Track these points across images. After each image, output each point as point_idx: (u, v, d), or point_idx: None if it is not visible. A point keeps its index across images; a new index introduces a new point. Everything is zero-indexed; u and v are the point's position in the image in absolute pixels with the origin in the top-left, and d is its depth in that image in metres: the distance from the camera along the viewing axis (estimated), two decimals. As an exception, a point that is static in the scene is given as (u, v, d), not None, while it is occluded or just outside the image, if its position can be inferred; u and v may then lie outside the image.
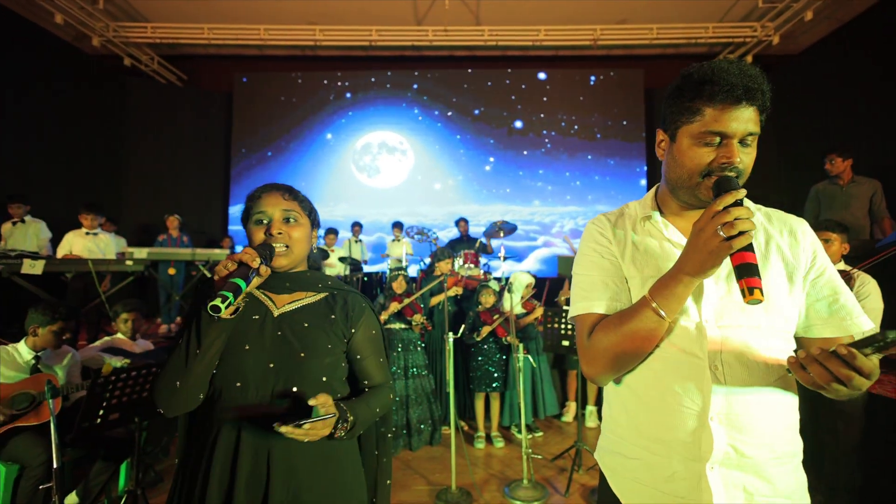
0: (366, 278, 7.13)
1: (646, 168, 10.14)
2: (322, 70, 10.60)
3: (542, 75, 10.44)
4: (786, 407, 1.12)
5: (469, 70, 10.53)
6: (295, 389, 1.35)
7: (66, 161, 8.43)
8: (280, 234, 1.43)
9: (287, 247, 1.44)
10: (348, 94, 10.57)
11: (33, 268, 4.84)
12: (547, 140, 10.39)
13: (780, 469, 1.10)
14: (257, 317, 1.42)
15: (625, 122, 10.27)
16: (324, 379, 1.39)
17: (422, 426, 4.60)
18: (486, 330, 4.71)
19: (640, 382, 1.20)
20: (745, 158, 1.09)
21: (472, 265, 6.49)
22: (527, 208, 10.35)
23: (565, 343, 4.22)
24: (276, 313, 1.44)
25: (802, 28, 8.50)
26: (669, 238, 1.22)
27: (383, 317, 4.66)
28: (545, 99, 10.42)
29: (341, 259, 7.36)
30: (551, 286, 6.54)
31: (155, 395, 1.32)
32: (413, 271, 7.40)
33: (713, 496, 1.07)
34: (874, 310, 3.03)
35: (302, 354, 1.38)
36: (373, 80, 10.57)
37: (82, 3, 8.06)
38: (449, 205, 10.39)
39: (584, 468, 4.02)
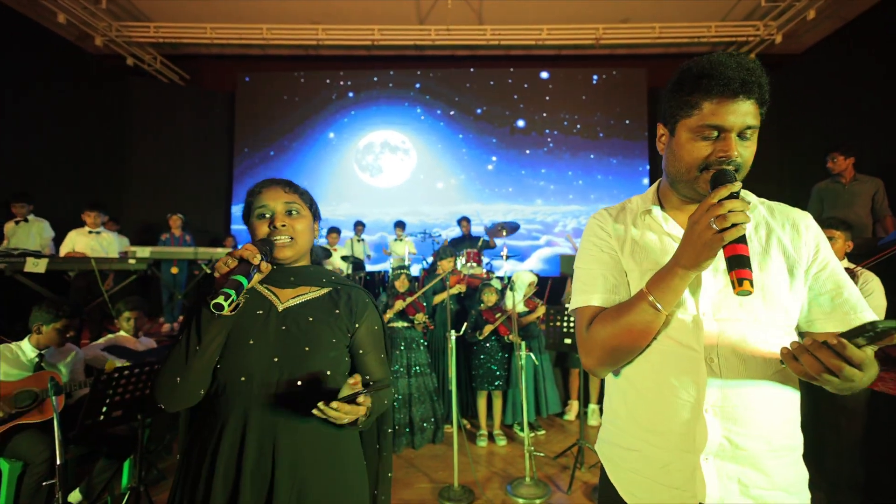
0: (368, 277, 7.13)
1: (648, 167, 10.12)
2: (325, 69, 10.61)
3: (544, 74, 10.43)
4: (783, 401, 1.12)
5: (471, 69, 10.52)
6: (299, 383, 1.35)
7: (68, 161, 8.45)
8: (284, 226, 1.44)
9: (291, 238, 1.45)
10: (351, 94, 10.58)
11: (36, 266, 4.85)
12: (549, 139, 10.38)
13: (778, 462, 1.10)
14: (261, 311, 1.42)
15: (627, 122, 10.25)
16: (328, 373, 1.39)
17: (424, 424, 4.61)
18: (488, 328, 4.71)
19: (637, 374, 1.21)
20: (745, 152, 1.09)
21: (474, 264, 6.49)
22: (529, 207, 10.34)
23: (567, 341, 4.21)
24: (280, 308, 1.44)
25: (805, 27, 8.48)
26: (669, 232, 1.23)
27: (387, 315, 4.67)
28: (548, 98, 10.42)
29: (344, 258, 7.37)
30: (553, 285, 6.54)
31: (156, 390, 1.34)
32: (415, 270, 7.40)
33: (706, 487, 1.08)
34: (878, 307, 3.03)
35: (306, 349, 1.38)
36: (375, 79, 10.58)
37: (85, 3, 8.08)
38: (451, 204, 10.38)
39: (587, 466, 4.02)
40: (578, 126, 10.34)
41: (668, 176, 1.24)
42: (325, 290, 1.53)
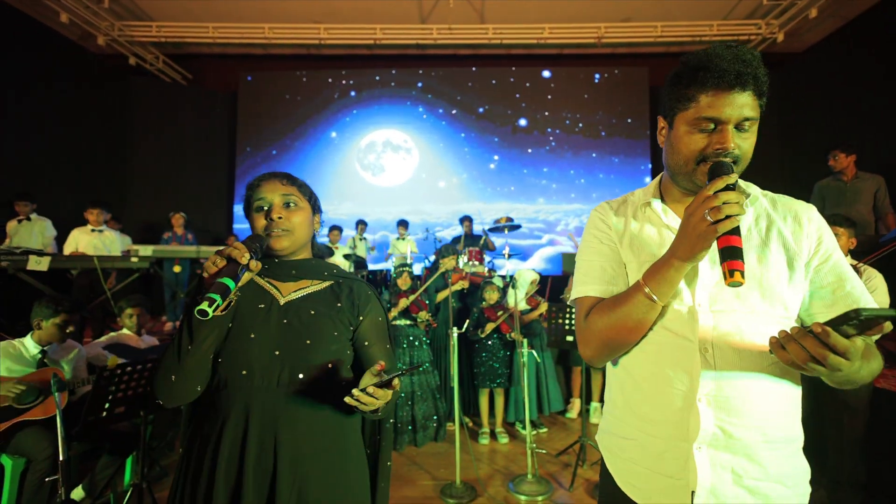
0: (370, 276, 7.13)
1: (650, 166, 10.11)
2: (326, 69, 10.61)
3: (546, 73, 10.42)
4: (779, 393, 1.12)
5: (473, 68, 10.52)
6: (301, 376, 1.35)
7: (70, 160, 8.46)
8: (280, 218, 1.44)
9: (287, 230, 1.45)
10: (353, 93, 10.58)
11: (39, 264, 4.86)
12: (551, 138, 10.37)
13: (773, 454, 1.10)
14: (263, 305, 1.42)
15: (629, 120, 10.24)
16: (329, 366, 1.39)
17: (427, 422, 4.61)
18: (490, 326, 4.71)
19: (634, 364, 1.23)
20: (743, 144, 1.09)
21: (476, 262, 6.49)
22: (531, 206, 10.33)
23: (569, 338, 4.21)
24: (282, 301, 1.44)
25: (807, 26, 8.46)
26: (668, 224, 1.24)
27: (391, 313, 4.66)
28: (549, 97, 10.40)
29: (346, 256, 7.37)
30: (553, 283, 6.54)
31: (154, 387, 1.35)
32: (417, 269, 7.40)
33: (698, 475, 1.09)
34: (881, 304, 3.01)
35: (308, 342, 1.38)
36: (377, 78, 10.57)
37: (88, 3, 8.10)
38: (453, 203, 10.38)
39: (589, 463, 4.02)
40: (580, 125, 10.33)
41: (667, 168, 1.25)
42: (326, 284, 1.53)
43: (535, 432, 4.81)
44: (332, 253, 7.45)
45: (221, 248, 1.31)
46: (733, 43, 1.09)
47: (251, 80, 10.53)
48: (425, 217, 10.21)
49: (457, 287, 5.16)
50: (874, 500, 3.19)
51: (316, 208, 1.60)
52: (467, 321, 4.81)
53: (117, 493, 3.28)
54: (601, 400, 5.23)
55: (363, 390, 1.18)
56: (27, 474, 2.93)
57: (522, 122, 10.44)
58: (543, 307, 4.98)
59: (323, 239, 7.78)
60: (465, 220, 7.95)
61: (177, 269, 7.08)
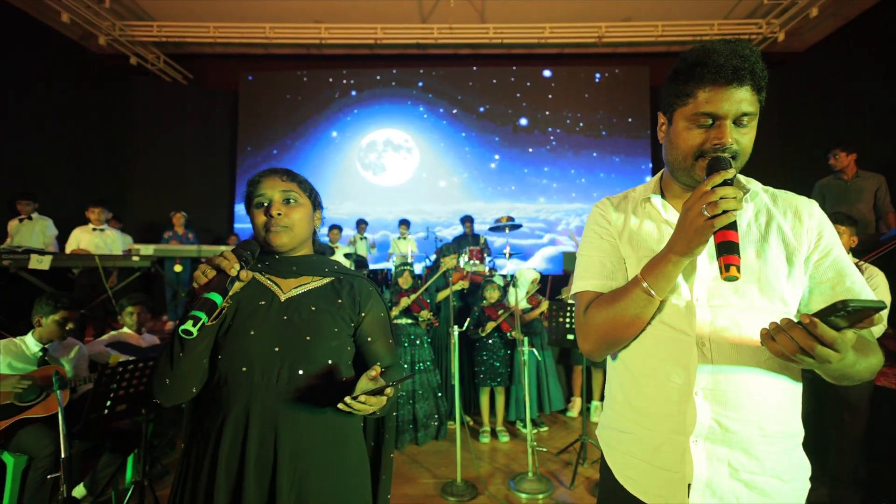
0: (371, 275, 7.14)
1: (651, 165, 10.11)
2: (327, 68, 10.62)
3: (547, 73, 10.42)
4: (777, 387, 1.12)
5: (474, 68, 10.52)
6: (301, 373, 1.35)
7: (71, 160, 8.47)
8: (280, 214, 1.44)
9: (287, 227, 1.45)
10: (353, 93, 10.59)
11: (41, 263, 4.87)
12: (552, 137, 10.37)
13: (770, 448, 1.10)
14: (263, 302, 1.42)
15: (630, 120, 10.24)
16: (329, 362, 1.39)
17: (428, 421, 4.61)
18: (490, 325, 4.71)
19: (633, 358, 1.23)
20: (742, 139, 1.10)
21: (476, 261, 6.50)
22: (532, 206, 10.33)
23: (570, 337, 4.21)
24: (282, 298, 1.44)
25: (807, 25, 8.45)
26: (667, 219, 1.25)
27: (393, 312, 4.66)
28: (550, 96, 10.40)
29: (346, 255, 7.37)
30: (554, 283, 6.54)
31: (152, 388, 1.36)
32: (418, 269, 7.40)
33: (694, 468, 1.09)
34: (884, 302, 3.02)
35: (308, 338, 1.38)
36: (378, 78, 10.58)
37: (89, 3, 8.12)
38: (454, 202, 10.39)
39: (590, 462, 4.03)
40: (581, 124, 10.33)
41: (667, 164, 1.25)
42: (327, 280, 1.53)
43: (535, 431, 4.81)
44: (332, 252, 7.44)
45: (212, 256, 1.31)
46: (732, 38, 1.09)
47: (252, 79, 10.54)
48: (426, 216, 10.21)
49: (457, 287, 5.16)
50: (874, 498, 3.19)
51: (317, 205, 1.60)
52: (468, 320, 4.81)
53: (119, 492, 3.29)
54: (602, 399, 5.23)
55: (355, 398, 1.19)
56: (29, 472, 2.94)
57: (523, 121, 10.44)
58: (544, 306, 4.98)
59: (323, 238, 7.78)
60: (467, 220, 7.95)
61: (178, 268, 7.09)
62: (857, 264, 3.15)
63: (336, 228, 8.12)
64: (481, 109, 10.47)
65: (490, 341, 4.79)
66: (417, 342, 4.74)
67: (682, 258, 1.05)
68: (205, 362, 1.34)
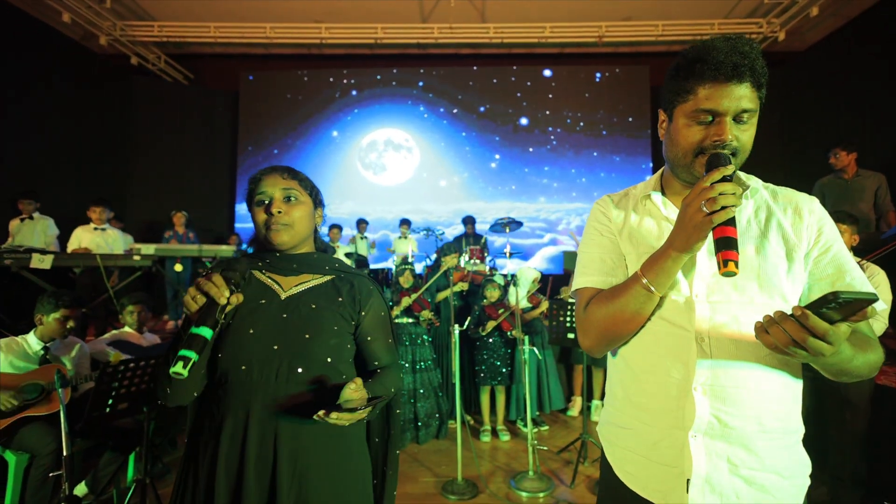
0: (371, 275, 7.13)
1: (651, 164, 10.11)
2: (328, 68, 10.63)
3: (547, 72, 10.43)
4: (776, 383, 1.12)
5: (474, 67, 10.53)
6: (300, 371, 1.35)
7: (72, 160, 8.48)
8: (280, 212, 1.44)
9: (287, 224, 1.45)
10: (354, 92, 10.60)
11: (42, 262, 4.87)
12: (552, 137, 10.38)
13: (769, 444, 1.10)
14: (264, 301, 1.42)
15: (630, 119, 10.25)
16: (328, 360, 1.39)
17: (429, 420, 4.62)
18: (491, 324, 4.71)
19: (633, 354, 1.24)
20: (742, 136, 1.10)
21: (477, 261, 6.51)
22: (532, 205, 10.34)
23: (571, 336, 4.21)
24: (283, 296, 1.44)
25: (808, 24, 8.46)
26: (667, 216, 1.25)
27: (394, 311, 4.66)
28: (550, 96, 10.41)
29: (347, 255, 7.38)
30: (555, 282, 6.54)
31: (155, 391, 1.37)
32: (419, 268, 7.40)
33: (693, 463, 1.09)
34: (884, 301, 3.02)
35: (307, 336, 1.38)
36: (378, 77, 10.59)
37: (90, 3, 8.13)
38: (454, 202, 10.40)
39: (590, 460, 4.03)
40: (581, 124, 10.34)
41: (667, 161, 1.26)
42: (328, 278, 1.53)
43: (536, 430, 4.81)
44: (334, 250, 7.44)
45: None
46: (732, 35, 1.09)
47: (253, 79, 10.56)
48: (426, 216, 10.22)
49: (457, 288, 5.16)
50: (875, 497, 3.19)
51: (318, 202, 1.60)
52: (468, 319, 4.82)
53: (120, 490, 3.29)
54: (602, 398, 5.23)
55: (328, 413, 1.19)
56: (31, 470, 2.94)
57: (523, 120, 10.45)
58: (545, 305, 4.99)
59: (323, 237, 7.77)
60: (468, 220, 7.94)
61: (178, 267, 7.08)
62: (859, 263, 3.15)
63: (336, 228, 8.12)
64: (482, 109, 10.48)
65: (491, 340, 4.79)
66: (418, 341, 4.74)
67: (681, 254, 1.05)
68: (203, 372, 1.35)
